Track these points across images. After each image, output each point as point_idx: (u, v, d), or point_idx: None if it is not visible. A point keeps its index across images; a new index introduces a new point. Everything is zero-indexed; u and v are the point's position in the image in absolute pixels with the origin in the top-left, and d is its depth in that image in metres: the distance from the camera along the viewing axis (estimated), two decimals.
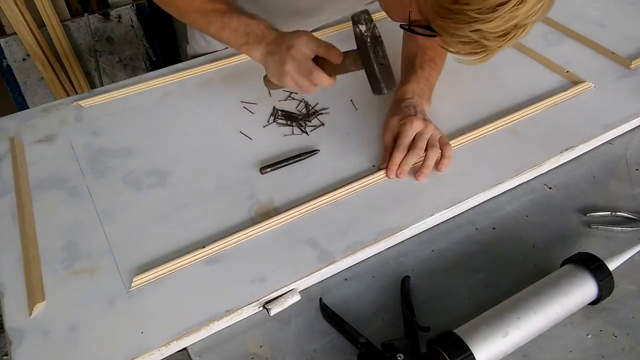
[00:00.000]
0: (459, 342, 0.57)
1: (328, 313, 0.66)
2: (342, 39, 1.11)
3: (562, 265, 0.68)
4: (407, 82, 0.90)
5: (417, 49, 0.94)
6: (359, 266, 0.73)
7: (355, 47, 0.70)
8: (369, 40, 0.65)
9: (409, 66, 0.93)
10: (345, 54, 0.74)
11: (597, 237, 0.75)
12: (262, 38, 0.79)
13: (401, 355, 0.58)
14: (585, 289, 0.63)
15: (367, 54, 0.67)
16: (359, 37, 0.66)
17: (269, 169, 0.83)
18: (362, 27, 0.65)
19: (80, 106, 0.96)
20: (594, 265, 0.64)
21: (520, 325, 0.60)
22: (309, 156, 0.85)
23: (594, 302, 0.65)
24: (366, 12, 0.66)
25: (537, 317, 0.61)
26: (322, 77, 0.76)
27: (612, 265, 0.65)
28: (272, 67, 0.78)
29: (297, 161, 0.85)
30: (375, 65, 0.66)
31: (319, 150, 0.87)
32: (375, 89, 0.71)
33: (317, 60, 0.76)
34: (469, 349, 0.57)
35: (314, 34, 0.78)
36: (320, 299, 0.67)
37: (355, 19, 0.66)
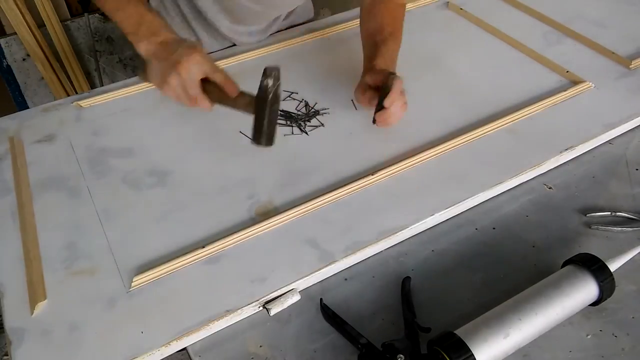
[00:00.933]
0: (460, 343, 0.57)
1: (328, 314, 0.66)
2: (343, 40, 1.12)
3: (563, 266, 0.68)
4: (373, 58, 0.91)
5: (376, 28, 0.96)
6: (359, 266, 0.73)
7: (255, 92, 0.73)
8: (270, 95, 0.69)
9: (371, 44, 0.95)
10: (242, 93, 0.74)
11: (597, 237, 0.75)
12: (153, 34, 0.77)
13: (402, 356, 0.58)
14: (587, 290, 0.63)
15: (263, 107, 0.70)
16: (263, 89, 0.69)
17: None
18: (270, 82, 0.69)
19: (80, 106, 0.96)
20: (595, 267, 0.64)
21: (521, 326, 0.60)
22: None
23: (595, 303, 0.65)
24: (278, 69, 0.69)
25: (538, 319, 0.61)
26: (204, 104, 0.76)
27: (613, 266, 0.65)
28: (155, 71, 0.77)
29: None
30: (266, 121, 0.70)
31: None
32: (256, 138, 0.72)
33: (204, 80, 0.75)
34: (469, 350, 0.57)
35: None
36: (321, 299, 0.67)
37: (267, 72, 0.68)
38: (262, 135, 0.72)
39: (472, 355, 0.56)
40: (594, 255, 0.65)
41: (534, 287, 0.64)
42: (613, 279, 0.64)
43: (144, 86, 1.00)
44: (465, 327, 0.60)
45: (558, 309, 0.62)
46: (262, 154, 0.87)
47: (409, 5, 1.21)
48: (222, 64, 1.05)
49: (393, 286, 0.70)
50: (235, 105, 0.75)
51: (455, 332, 0.59)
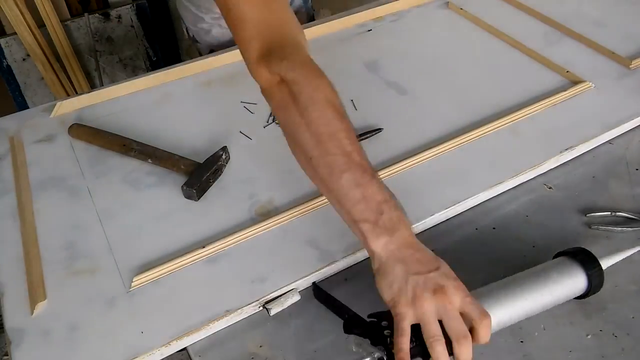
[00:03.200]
0: None
1: (320, 294, 0.66)
2: (343, 40, 1.12)
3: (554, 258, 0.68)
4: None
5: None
6: (359, 266, 0.73)
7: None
8: (218, 163, 0.82)
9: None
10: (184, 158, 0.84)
11: (597, 237, 0.75)
12: (395, 230, 0.57)
13: (385, 322, 0.58)
14: (574, 279, 0.63)
15: (210, 167, 0.81)
16: (217, 157, 0.83)
17: None
18: (224, 155, 0.83)
19: (80, 106, 0.96)
20: (583, 257, 0.64)
21: (507, 306, 0.60)
22: (374, 134, 0.89)
23: (585, 296, 0.65)
24: (228, 155, 0.85)
25: (525, 301, 0.60)
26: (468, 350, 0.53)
27: (607, 262, 0.65)
28: (399, 281, 0.56)
29: (362, 139, 0.87)
30: (205, 177, 0.80)
31: (382, 128, 0.89)
32: (192, 185, 0.79)
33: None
34: None
35: None
36: (314, 282, 0.68)
37: (225, 149, 0.84)
38: (199, 185, 0.79)
39: None
40: (583, 248, 0.65)
41: (523, 272, 0.64)
42: (601, 270, 0.63)
43: (143, 86, 1.00)
44: None
45: (545, 293, 0.61)
46: (262, 154, 0.87)
47: (409, 5, 1.21)
48: (221, 63, 1.05)
49: None
50: (177, 164, 0.84)
51: None
